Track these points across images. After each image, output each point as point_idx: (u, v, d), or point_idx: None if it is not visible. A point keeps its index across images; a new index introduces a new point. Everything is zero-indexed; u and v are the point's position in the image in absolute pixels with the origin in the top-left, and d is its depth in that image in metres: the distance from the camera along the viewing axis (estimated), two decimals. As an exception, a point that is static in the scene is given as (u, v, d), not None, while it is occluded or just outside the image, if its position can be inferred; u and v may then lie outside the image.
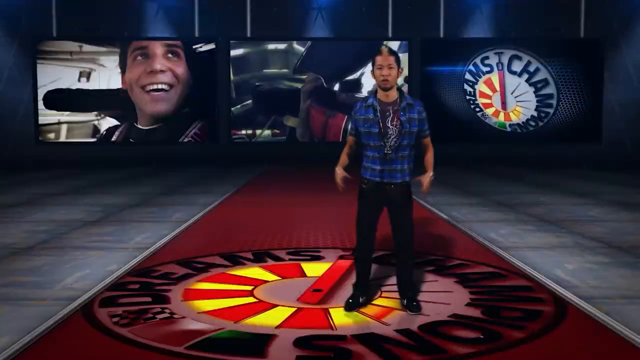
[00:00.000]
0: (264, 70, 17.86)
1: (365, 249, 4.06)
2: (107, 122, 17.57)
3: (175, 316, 3.83)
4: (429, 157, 4.08)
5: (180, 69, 17.38)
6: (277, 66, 17.84)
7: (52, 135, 17.58)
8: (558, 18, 17.53)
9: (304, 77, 17.68)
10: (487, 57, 17.73)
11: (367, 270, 4.11)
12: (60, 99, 17.41)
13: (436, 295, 4.27)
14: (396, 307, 3.99)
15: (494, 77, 17.73)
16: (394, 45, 17.07)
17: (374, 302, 4.10)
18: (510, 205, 8.92)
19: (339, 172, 4.05)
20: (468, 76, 17.81)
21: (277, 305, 4.02)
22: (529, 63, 17.59)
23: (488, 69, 17.77)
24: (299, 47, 17.82)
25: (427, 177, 4.00)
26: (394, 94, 3.90)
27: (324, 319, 3.80)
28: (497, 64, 17.72)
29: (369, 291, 4.13)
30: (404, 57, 16.94)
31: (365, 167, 3.97)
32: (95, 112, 17.56)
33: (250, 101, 17.77)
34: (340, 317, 3.81)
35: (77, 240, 6.30)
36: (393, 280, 4.29)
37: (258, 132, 17.75)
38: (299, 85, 17.73)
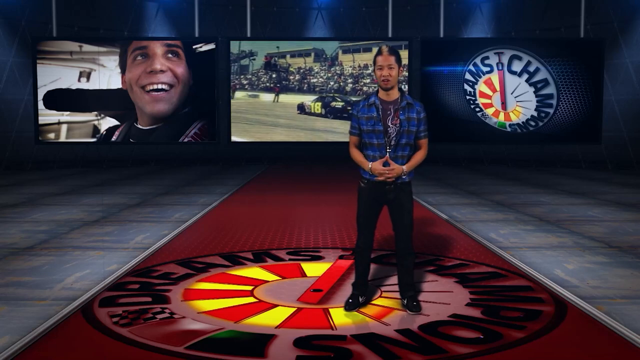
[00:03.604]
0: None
1: (365, 247, 4.07)
2: (107, 122, 17.54)
3: (175, 316, 3.83)
4: (417, 155, 3.96)
5: (180, 69, 17.34)
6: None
7: (52, 135, 17.54)
8: (558, 18, 17.52)
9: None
10: (487, 57, 17.69)
11: (367, 270, 4.11)
12: (60, 99, 17.40)
13: (436, 295, 4.28)
14: (396, 307, 3.99)
15: (494, 77, 17.71)
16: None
17: (374, 302, 4.10)
18: (510, 205, 8.92)
19: (373, 165, 3.85)
20: (468, 76, 17.78)
21: (277, 305, 4.02)
22: (529, 63, 17.56)
23: (488, 69, 17.74)
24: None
25: (399, 167, 3.84)
26: (395, 94, 3.91)
27: (324, 319, 3.79)
28: (497, 64, 17.69)
29: (368, 291, 4.13)
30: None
31: (366, 166, 3.97)
32: (95, 112, 17.55)
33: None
34: (340, 317, 3.81)
35: (77, 240, 6.30)
36: (393, 280, 4.29)
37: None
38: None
